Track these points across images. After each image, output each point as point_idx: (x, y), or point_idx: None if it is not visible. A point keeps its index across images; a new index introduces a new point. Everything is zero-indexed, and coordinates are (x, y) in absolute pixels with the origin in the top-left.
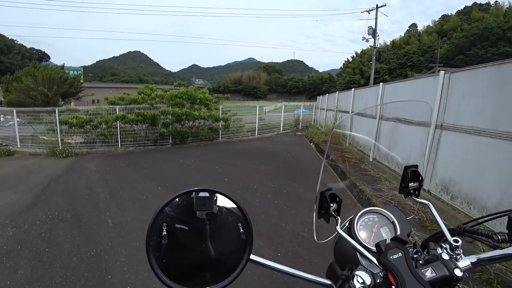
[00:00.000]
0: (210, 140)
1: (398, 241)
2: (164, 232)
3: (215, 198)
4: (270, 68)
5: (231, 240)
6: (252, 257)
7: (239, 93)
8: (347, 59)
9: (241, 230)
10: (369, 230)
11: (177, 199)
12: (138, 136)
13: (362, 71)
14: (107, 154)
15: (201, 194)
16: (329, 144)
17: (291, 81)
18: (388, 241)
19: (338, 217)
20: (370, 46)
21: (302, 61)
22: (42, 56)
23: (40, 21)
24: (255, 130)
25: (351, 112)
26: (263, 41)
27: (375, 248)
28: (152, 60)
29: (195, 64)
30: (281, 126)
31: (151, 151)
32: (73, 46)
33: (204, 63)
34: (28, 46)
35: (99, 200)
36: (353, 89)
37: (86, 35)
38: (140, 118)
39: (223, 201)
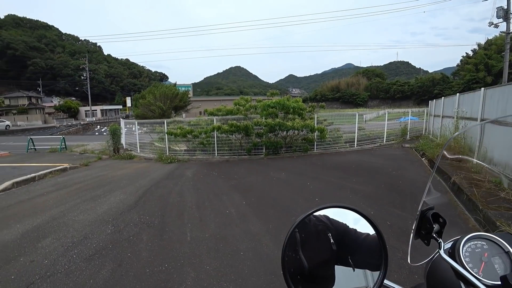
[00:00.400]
0: (304, 151)
1: None
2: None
3: None
4: (370, 72)
5: (321, 250)
6: (386, 282)
7: (337, 101)
8: (466, 53)
9: (331, 241)
10: (476, 258)
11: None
12: (233, 146)
13: (488, 66)
14: (205, 161)
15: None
16: (441, 157)
17: (395, 85)
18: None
19: (441, 240)
20: (500, 33)
21: (408, 62)
22: (163, 77)
23: (162, 47)
24: (354, 141)
25: (481, 119)
26: (361, 44)
27: (487, 280)
28: (251, 73)
29: (291, 74)
30: (385, 136)
31: (244, 161)
32: (185, 67)
33: (300, 73)
34: (153, 70)
35: (185, 209)
36: (482, 89)
37: (196, 55)
38: (234, 128)
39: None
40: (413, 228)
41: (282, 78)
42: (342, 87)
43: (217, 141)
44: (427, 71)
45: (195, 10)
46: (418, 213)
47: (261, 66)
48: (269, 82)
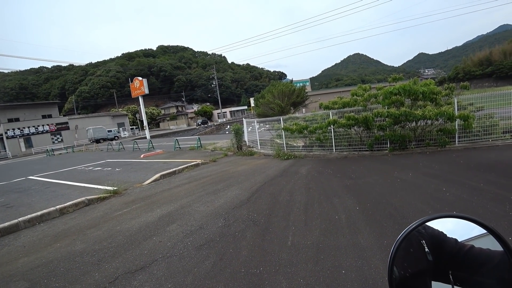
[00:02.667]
0: (440, 145)
1: None
2: None
3: None
4: None
5: (413, 259)
6: None
7: (488, 77)
8: None
9: (426, 249)
10: None
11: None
12: (352, 141)
13: None
14: (321, 158)
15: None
16: None
17: None
18: None
19: None
20: None
21: None
22: (281, 76)
23: (277, 47)
24: None
25: None
26: None
27: None
28: (372, 58)
29: (422, 53)
30: None
31: (364, 158)
32: (302, 62)
33: (433, 49)
34: (272, 70)
35: (293, 210)
36: None
37: (311, 49)
38: (351, 121)
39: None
40: None
41: (410, 59)
42: (495, 59)
43: (334, 136)
44: None
45: (306, 5)
46: None
47: (383, 49)
48: (394, 65)
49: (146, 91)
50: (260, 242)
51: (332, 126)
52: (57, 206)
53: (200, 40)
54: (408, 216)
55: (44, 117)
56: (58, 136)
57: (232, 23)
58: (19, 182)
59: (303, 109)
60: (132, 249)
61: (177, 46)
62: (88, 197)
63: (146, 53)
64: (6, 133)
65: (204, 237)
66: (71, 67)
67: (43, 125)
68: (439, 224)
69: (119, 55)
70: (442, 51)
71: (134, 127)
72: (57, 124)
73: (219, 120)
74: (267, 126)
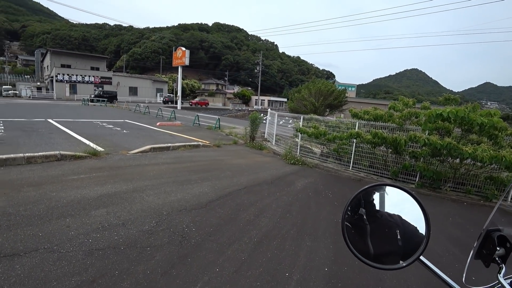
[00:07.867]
0: (486, 198)
1: None
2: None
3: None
4: None
5: (387, 242)
6: (422, 258)
7: None
8: None
9: (398, 237)
10: None
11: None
12: (375, 161)
13: None
14: (332, 173)
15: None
16: None
17: None
18: None
19: (503, 265)
20: None
21: None
22: (329, 76)
23: (333, 48)
24: None
25: None
26: None
27: None
28: (431, 78)
29: (488, 82)
30: None
31: None
32: (354, 67)
33: (502, 81)
34: (321, 68)
35: (242, 240)
36: None
37: (365, 56)
38: (378, 140)
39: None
40: (475, 246)
41: (474, 86)
42: None
43: (355, 151)
44: None
45: (371, 7)
46: (482, 231)
47: (445, 70)
48: (454, 90)
49: (187, 62)
50: (159, 277)
51: (354, 139)
52: (26, 154)
53: (255, 24)
54: None
55: (92, 69)
56: (101, 89)
57: (294, 13)
58: (36, 122)
59: (342, 114)
60: (32, 226)
61: (232, 26)
62: (62, 152)
63: (201, 27)
64: (56, 76)
65: (109, 241)
66: (130, 28)
67: (89, 76)
68: (415, 219)
69: (175, 25)
70: None
71: (171, 95)
72: (101, 77)
73: (255, 107)
74: (296, 122)
